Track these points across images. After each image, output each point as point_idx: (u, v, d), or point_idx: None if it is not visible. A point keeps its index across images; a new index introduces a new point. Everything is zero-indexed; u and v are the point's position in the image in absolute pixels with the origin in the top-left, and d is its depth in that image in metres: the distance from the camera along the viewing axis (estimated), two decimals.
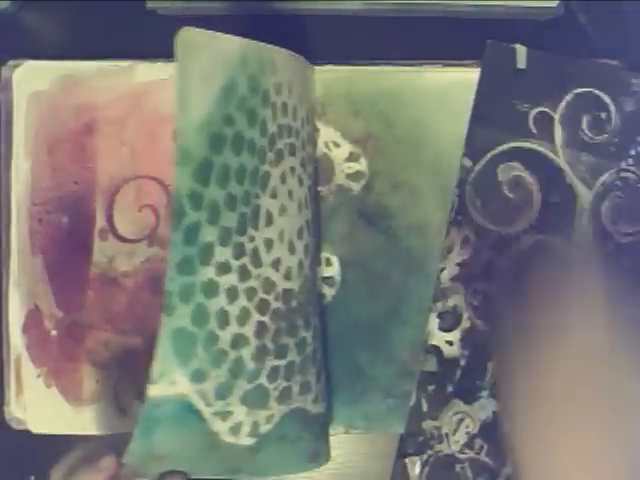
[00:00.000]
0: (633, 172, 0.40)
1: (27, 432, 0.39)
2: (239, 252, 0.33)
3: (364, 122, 0.40)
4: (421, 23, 0.41)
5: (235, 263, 0.32)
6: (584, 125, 0.40)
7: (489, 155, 0.40)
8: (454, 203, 0.40)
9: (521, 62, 0.40)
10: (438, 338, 0.40)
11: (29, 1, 0.40)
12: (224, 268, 0.32)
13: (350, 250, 0.40)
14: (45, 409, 0.39)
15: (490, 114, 0.40)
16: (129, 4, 0.39)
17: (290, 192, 0.35)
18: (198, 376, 0.32)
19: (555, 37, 0.41)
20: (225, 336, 0.33)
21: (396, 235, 0.40)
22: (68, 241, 0.40)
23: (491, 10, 0.40)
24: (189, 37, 0.30)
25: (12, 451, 0.40)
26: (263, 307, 0.34)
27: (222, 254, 0.32)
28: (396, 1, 0.40)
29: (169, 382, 0.31)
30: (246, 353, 0.33)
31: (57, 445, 0.38)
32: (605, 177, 0.40)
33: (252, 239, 0.33)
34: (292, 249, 0.35)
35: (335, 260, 0.40)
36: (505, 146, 0.40)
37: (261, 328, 0.34)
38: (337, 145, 0.40)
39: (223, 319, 0.32)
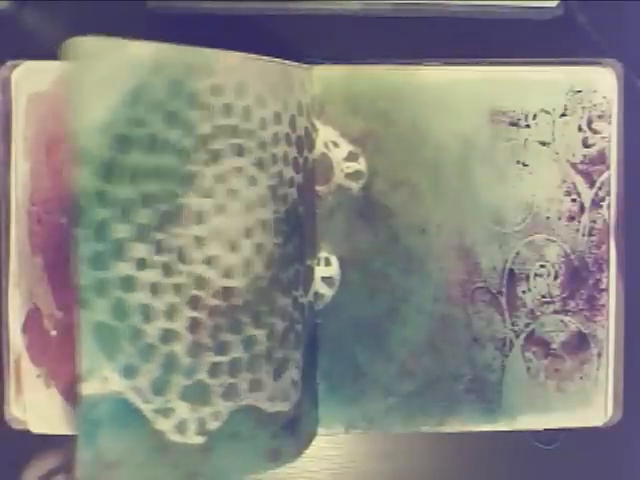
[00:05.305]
0: None
1: (27, 432, 0.39)
2: (160, 249, 0.34)
3: (363, 121, 0.40)
4: (421, 23, 0.41)
5: (157, 259, 0.34)
6: None
7: None
8: None
9: None
10: None
11: (29, 1, 0.40)
12: (143, 264, 0.34)
13: (350, 250, 0.40)
14: (45, 409, 0.39)
15: None
16: (129, 4, 0.40)
17: (232, 191, 0.35)
18: (129, 371, 0.33)
19: (555, 37, 0.41)
20: (152, 331, 0.34)
21: (396, 235, 0.40)
22: (68, 241, 0.40)
23: (491, 10, 0.40)
24: (82, 46, 0.32)
25: (12, 451, 0.40)
26: (195, 303, 0.35)
27: (140, 250, 0.33)
28: (396, 1, 0.40)
29: (100, 379, 0.33)
30: (179, 348, 0.34)
31: (57, 445, 0.38)
32: None
33: (176, 236, 0.34)
34: (234, 248, 0.35)
35: (334, 260, 0.40)
36: None
37: (195, 324, 0.35)
38: (336, 145, 0.40)
39: (147, 314, 0.34)
